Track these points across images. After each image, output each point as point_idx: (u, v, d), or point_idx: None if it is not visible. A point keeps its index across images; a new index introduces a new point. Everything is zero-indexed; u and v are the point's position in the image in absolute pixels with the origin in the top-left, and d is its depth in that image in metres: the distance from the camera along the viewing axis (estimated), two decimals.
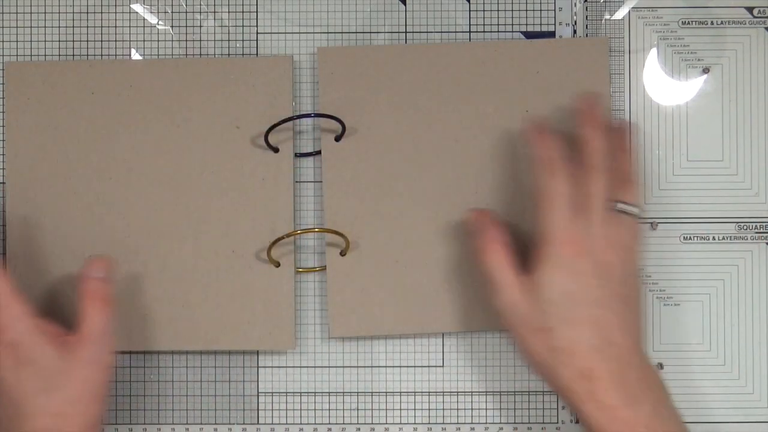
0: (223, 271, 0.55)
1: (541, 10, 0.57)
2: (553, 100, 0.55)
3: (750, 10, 0.57)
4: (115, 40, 0.57)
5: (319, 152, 0.55)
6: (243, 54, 0.57)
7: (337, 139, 0.55)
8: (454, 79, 0.55)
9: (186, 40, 0.57)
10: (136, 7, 0.57)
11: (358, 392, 0.57)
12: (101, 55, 0.57)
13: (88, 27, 0.57)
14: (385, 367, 0.57)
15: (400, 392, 0.57)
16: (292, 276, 0.55)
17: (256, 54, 0.57)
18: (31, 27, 0.57)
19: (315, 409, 0.57)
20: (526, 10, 0.57)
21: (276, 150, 0.55)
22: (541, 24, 0.57)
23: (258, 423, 0.56)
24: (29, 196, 0.55)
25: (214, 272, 0.55)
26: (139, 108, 0.55)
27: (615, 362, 0.47)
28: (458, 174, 0.55)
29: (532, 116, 0.54)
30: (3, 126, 0.56)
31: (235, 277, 0.55)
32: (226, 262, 0.55)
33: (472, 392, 0.57)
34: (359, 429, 0.57)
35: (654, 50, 0.57)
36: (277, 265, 0.55)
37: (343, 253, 0.55)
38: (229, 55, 0.57)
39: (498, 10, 0.57)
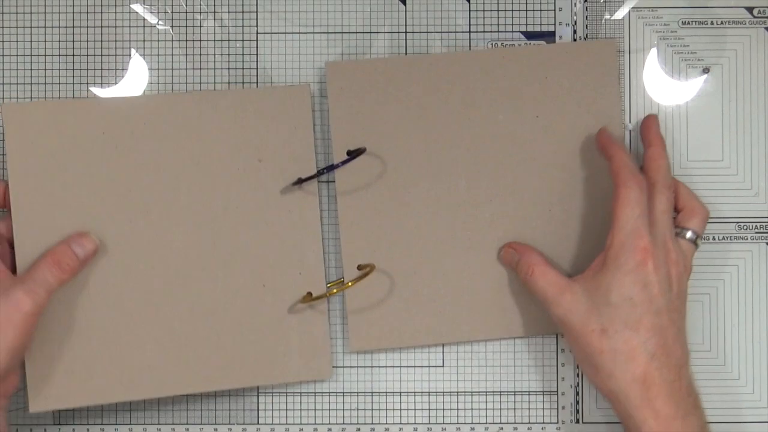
0: (256, 305, 0.54)
1: (541, 10, 0.57)
2: (563, 104, 0.55)
3: (750, 10, 0.57)
4: (115, 40, 0.57)
5: (335, 166, 0.54)
6: (243, 54, 0.57)
7: (349, 153, 0.53)
8: (463, 88, 0.54)
9: (186, 40, 0.57)
10: (136, 7, 0.57)
11: (358, 392, 0.57)
12: (101, 55, 0.57)
13: (88, 27, 0.57)
14: (385, 367, 0.57)
15: (400, 392, 0.57)
16: (325, 306, 0.55)
17: (256, 54, 0.57)
18: (31, 27, 0.57)
19: (315, 409, 0.57)
20: (526, 10, 0.57)
21: (300, 181, 0.53)
22: (541, 24, 0.57)
23: (258, 423, 0.56)
24: (40, 241, 0.52)
25: (247, 307, 0.54)
26: (155, 145, 0.53)
27: (670, 372, 0.48)
28: (471, 182, 0.55)
29: (604, 127, 0.54)
30: (4, 169, 0.54)
31: (268, 310, 0.54)
32: (257, 296, 0.54)
33: (472, 392, 0.57)
34: (359, 429, 0.57)
35: (654, 50, 0.57)
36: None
37: (360, 268, 0.54)
38: (229, 56, 0.57)
39: (498, 10, 0.57)
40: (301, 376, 0.54)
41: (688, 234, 0.51)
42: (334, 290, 0.53)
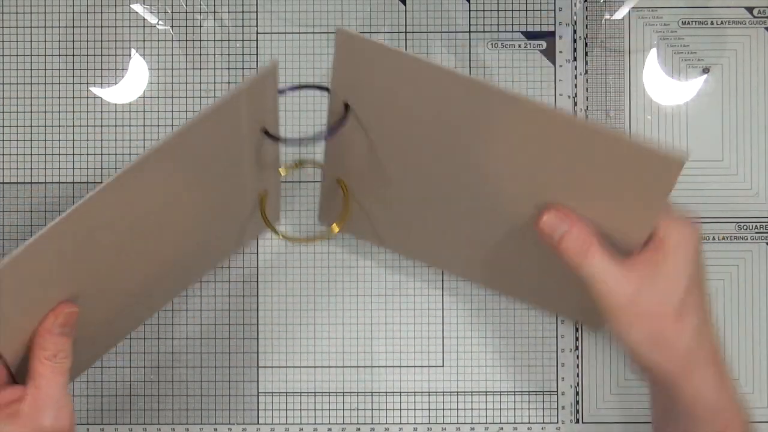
0: None
1: (541, 10, 0.57)
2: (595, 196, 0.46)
3: (750, 10, 0.57)
4: (115, 40, 0.57)
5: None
6: (243, 54, 0.57)
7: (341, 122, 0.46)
8: (478, 128, 0.45)
9: (186, 40, 0.57)
10: (136, 7, 0.57)
11: (358, 392, 0.57)
12: (101, 55, 0.57)
13: (88, 27, 0.57)
14: (385, 367, 0.57)
15: (400, 392, 0.57)
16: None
17: (256, 54, 0.57)
18: (31, 27, 0.57)
19: (315, 409, 0.57)
20: (526, 10, 0.57)
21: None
22: (541, 24, 0.57)
23: (258, 423, 0.56)
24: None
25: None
26: None
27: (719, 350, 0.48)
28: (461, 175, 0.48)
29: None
30: None
31: None
32: None
33: (472, 392, 0.57)
34: (359, 429, 0.57)
35: (654, 50, 0.57)
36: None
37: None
38: (229, 56, 0.57)
39: (498, 10, 0.57)
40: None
41: None
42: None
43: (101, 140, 0.57)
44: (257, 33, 0.57)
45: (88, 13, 0.57)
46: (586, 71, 0.57)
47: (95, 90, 0.57)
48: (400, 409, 0.57)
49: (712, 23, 0.57)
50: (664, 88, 0.57)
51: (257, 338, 0.57)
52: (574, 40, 0.57)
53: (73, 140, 0.57)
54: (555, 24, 0.57)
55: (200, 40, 0.57)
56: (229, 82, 0.57)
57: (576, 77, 0.57)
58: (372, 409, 0.57)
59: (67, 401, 0.43)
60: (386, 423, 0.57)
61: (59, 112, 0.57)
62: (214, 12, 0.57)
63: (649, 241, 0.47)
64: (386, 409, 0.57)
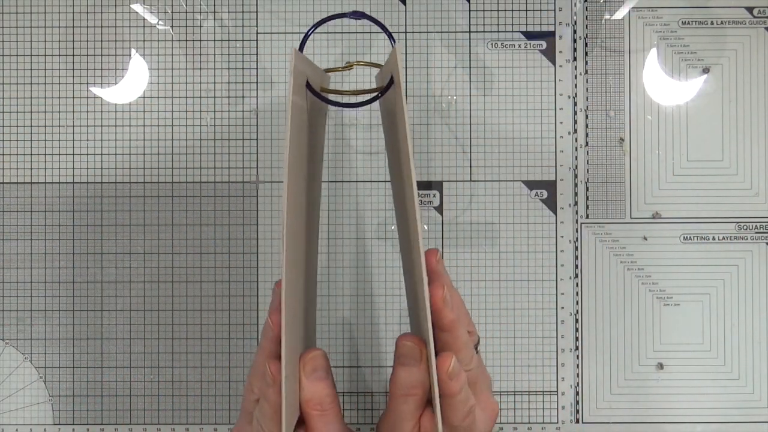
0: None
1: (541, 10, 0.57)
2: None
3: (750, 10, 0.57)
4: (115, 40, 0.57)
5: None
6: (243, 54, 0.57)
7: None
8: None
9: (186, 40, 0.57)
10: (136, 7, 0.57)
11: (358, 392, 0.57)
12: (101, 55, 0.57)
13: (88, 27, 0.57)
14: (386, 367, 0.57)
15: None
16: None
17: (256, 54, 0.57)
18: (31, 27, 0.57)
19: None
20: (526, 10, 0.57)
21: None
22: (541, 24, 0.57)
23: None
24: None
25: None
26: None
27: None
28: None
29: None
30: None
31: None
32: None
33: None
34: (359, 429, 0.57)
35: (654, 50, 0.57)
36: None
37: None
38: (229, 56, 0.57)
39: (498, 10, 0.57)
40: None
41: None
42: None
43: (101, 140, 0.57)
44: (257, 33, 0.57)
45: (88, 13, 0.57)
46: (586, 71, 0.57)
47: (95, 90, 0.57)
48: None
49: (712, 23, 0.57)
50: (664, 88, 0.57)
51: (257, 338, 0.57)
52: (574, 40, 0.57)
53: (73, 140, 0.57)
54: (555, 24, 0.57)
55: (200, 40, 0.57)
56: (229, 82, 0.57)
57: (576, 77, 0.57)
58: (372, 409, 0.57)
59: None
60: None
61: (59, 112, 0.57)
62: (214, 12, 0.57)
63: None
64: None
